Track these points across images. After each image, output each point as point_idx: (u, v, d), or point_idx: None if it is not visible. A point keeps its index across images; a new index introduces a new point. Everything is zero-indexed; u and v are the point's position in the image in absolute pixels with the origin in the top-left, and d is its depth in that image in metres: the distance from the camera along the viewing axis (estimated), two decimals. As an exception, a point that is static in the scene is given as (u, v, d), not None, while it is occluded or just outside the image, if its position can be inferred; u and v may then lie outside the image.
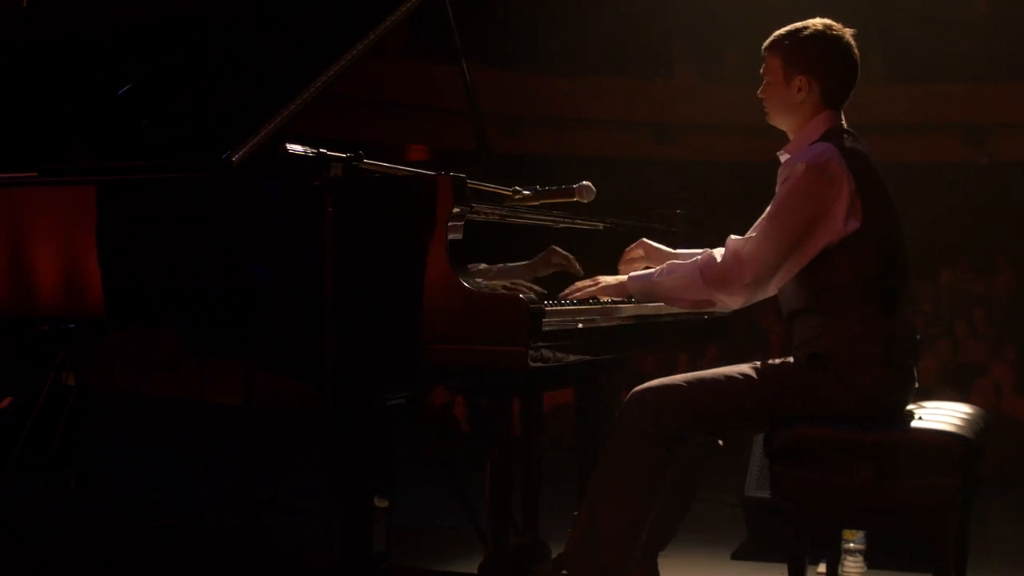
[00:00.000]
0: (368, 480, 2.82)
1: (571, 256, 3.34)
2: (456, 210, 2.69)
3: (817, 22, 3.06)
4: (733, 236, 2.99)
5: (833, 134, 3.00)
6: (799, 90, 3.03)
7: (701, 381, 3.02)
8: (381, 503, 2.89)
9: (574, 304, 2.99)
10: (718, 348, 9.18)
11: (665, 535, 3.27)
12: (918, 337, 3.04)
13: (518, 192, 3.45)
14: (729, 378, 3.03)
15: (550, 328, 2.73)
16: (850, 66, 3.06)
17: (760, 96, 3.14)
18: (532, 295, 2.71)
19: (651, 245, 3.38)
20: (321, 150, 2.65)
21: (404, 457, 2.98)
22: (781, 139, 3.17)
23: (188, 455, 6.75)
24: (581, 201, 3.48)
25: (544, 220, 3.41)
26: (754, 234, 2.95)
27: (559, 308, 2.87)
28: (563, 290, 3.13)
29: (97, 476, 4.99)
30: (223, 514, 4.82)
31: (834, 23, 3.06)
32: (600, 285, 3.13)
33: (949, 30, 12.27)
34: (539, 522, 3.73)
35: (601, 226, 3.69)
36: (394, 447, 2.95)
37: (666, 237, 4.07)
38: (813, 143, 2.99)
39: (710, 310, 3.15)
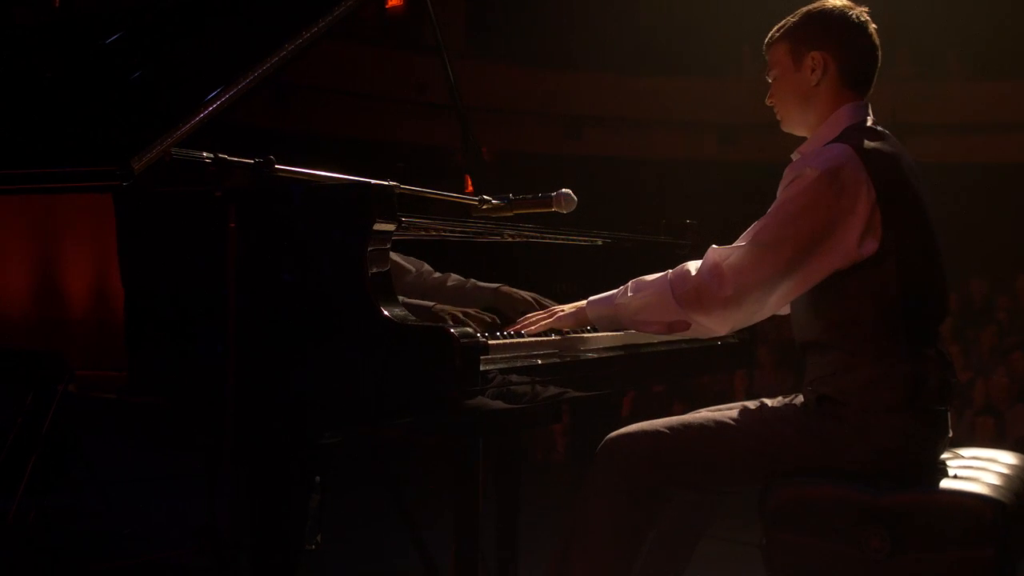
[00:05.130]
0: (282, 532, 2.40)
1: (523, 296, 2.83)
2: (380, 226, 2.25)
3: (822, 2, 2.63)
4: (715, 246, 2.51)
5: (854, 132, 2.52)
6: (813, 70, 2.58)
7: (686, 427, 2.58)
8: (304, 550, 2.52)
9: (537, 336, 2.54)
10: (773, 360, 8.66)
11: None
12: (954, 380, 2.54)
13: (486, 202, 3.00)
14: (720, 424, 2.58)
15: (495, 367, 2.30)
16: (868, 39, 2.60)
17: (769, 103, 2.70)
18: (470, 328, 2.27)
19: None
20: (220, 155, 2.24)
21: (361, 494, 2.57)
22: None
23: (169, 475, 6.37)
24: (560, 212, 3.02)
25: (523, 235, 2.97)
26: (742, 243, 2.47)
27: (509, 342, 2.42)
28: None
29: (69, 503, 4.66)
30: (189, 549, 4.44)
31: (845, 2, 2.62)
32: (555, 316, 2.64)
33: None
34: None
35: (600, 241, 3.25)
36: (323, 486, 2.55)
37: (677, 251, 3.64)
38: (830, 143, 2.52)
39: (689, 336, 2.59)
